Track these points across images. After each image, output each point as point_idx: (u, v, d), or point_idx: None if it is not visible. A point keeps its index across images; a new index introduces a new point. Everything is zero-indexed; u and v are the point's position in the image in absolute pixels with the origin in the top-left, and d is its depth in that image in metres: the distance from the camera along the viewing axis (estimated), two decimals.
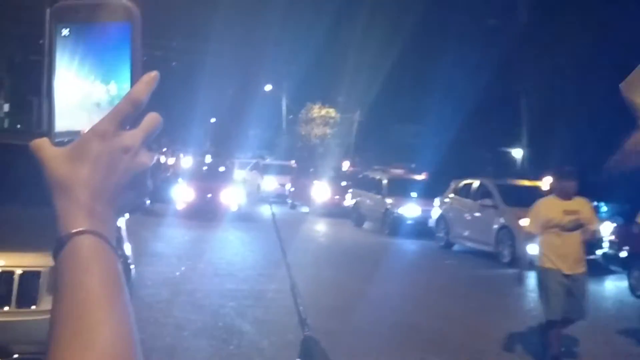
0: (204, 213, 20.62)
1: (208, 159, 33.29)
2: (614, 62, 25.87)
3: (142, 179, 0.80)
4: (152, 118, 0.80)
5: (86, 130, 0.78)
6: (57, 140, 0.79)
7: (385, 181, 22.21)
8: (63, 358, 0.70)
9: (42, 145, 0.79)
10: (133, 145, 0.78)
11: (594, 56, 26.33)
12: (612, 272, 13.85)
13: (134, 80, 0.79)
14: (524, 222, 15.38)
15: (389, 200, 21.06)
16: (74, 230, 0.75)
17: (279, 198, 29.94)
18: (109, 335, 0.71)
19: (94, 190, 0.77)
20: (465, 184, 18.50)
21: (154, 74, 0.80)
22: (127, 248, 5.91)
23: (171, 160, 29.24)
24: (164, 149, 28.81)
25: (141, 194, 0.81)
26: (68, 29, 0.80)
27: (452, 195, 18.70)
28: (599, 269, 14.08)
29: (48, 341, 0.72)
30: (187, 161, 29.73)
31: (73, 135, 0.79)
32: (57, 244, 0.76)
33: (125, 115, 0.78)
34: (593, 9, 26.87)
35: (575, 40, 26.66)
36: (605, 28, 26.10)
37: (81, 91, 0.80)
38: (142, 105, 0.78)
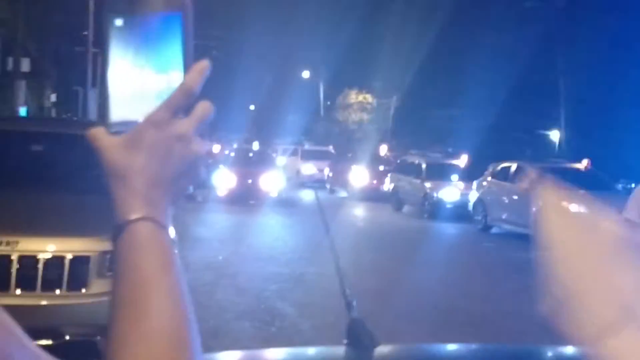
0: (245, 198, 20.85)
1: (256, 145, 33.58)
2: None
3: (195, 166, 0.82)
4: (204, 106, 0.81)
5: (141, 120, 0.80)
6: (113, 130, 0.80)
7: (424, 165, 22.20)
8: (122, 335, 0.74)
9: (99, 134, 0.80)
10: (187, 133, 0.80)
11: (632, 38, 25.90)
12: None
13: (186, 70, 0.81)
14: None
15: (428, 184, 21.06)
16: (132, 218, 0.77)
17: (318, 183, 30.01)
18: (165, 320, 0.74)
19: (150, 178, 0.79)
20: (503, 167, 18.43)
21: (205, 63, 0.81)
22: (171, 232, 6.15)
23: (215, 148, 29.54)
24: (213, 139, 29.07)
25: (195, 181, 0.83)
26: (122, 20, 0.81)
27: (489, 178, 18.66)
28: None
29: (108, 323, 0.76)
30: (229, 148, 29.99)
31: (129, 124, 0.80)
32: (116, 230, 0.78)
33: (179, 104, 0.80)
34: None
35: (613, 22, 26.24)
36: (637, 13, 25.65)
37: (135, 81, 0.81)
38: (195, 94, 0.80)
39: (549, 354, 2.09)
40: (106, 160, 0.79)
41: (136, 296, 0.75)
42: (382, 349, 1.66)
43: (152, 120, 0.79)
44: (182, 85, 0.80)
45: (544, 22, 28.66)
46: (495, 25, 30.45)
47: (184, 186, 0.83)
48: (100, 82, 0.87)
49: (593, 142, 24.30)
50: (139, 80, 0.81)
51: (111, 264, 5.07)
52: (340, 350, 1.67)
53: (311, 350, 2.03)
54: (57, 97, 33.72)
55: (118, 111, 0.81)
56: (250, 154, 25.46)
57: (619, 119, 24.67)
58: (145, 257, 0.77)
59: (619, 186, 18.74)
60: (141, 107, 0.80)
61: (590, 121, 26.27)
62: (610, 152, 22.61)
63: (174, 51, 0.81)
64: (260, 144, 36.73)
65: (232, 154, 26.21)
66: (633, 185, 22.59)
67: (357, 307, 1.67)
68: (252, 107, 49.66)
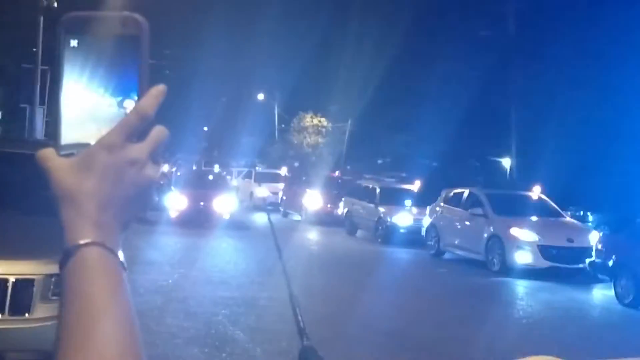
0: (197, 221, 20.66)
1: (217, 168, 33.36)
2: (601, 74, 26.13)
3: (148, 191, 0.81)
4: (158, 131, 0.80)
5: (93, 143, 0.79)
6: (63, 152, 0.79)
7: (378, 190, 22.30)
8: None
9: (48, 155, 0.79)
10: (140, 158, 0.79)
11: (582, 67, 26.55)
12: (599, 281, 13.98)
13: (141, 93, 0.80)
14: (514, 231, 15.62)
15: (381, 209, 21.15)
16: (81, 242, 0.76)
17: (272, 206, 29.98)
18: (112, 346, 0.72)
19: (101, 202, 0.77)
20: (456, 193, 18.63)
21: (161, 87, 0.80)
22: (120, 256, 6.02)
23: (165, 168, 29.37)
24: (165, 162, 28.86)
25: (146, 206, 0.82)
26: (77, 40, 0.80)
27: (442, 204, 18.82)
28: (587, 277, 14.23)
29: (54, 350, 0.74)
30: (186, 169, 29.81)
31: (80, 147, 0.79)
32: (64, 254, 0.77)
33: (133, 128, 0.78)
34: (580, 22, 27.09)
35: (563, 52, 26.89)
36: (592, 40, 26.34)
37: (89, 103, 0.80)
38: (150, 119, 0.79)
39: None
40: (55, 182, 0.78)
41: (83, 322, 0.73)
42: None
43: (105, 144, 0.78)
44: (136, 108, 0.79)
45: (497, 51, 29.23)
46: (449, 53, 30.93)
47: (136, 211, 0.82)
48: (52, 103, 0.85)
49: (543, 169, 24.73)
50: (92, 102, 0.80)
51: (57, 287, 4.94)
52: None
53: None
54: (3, 115, 33.08)
55: (70, 133, 0.80)
56: (204, 176, 25.26)
57: (568, 147, 25.19)
58: (93, 282, 0.75)
59: (568, 213, 19.07)
60: (93, 130, 0.79)
61: (540, 149, 26.75)
62: (559, 179, 23.02)
63: (129, 74, 0.80)
64: (216, 166, 36.65)
65: (181, 175, 25.98)
66: (582, 212, 23.15)
67: (309, 333, 1.61)
68: (205, 129, 49.46)
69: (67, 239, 0.77)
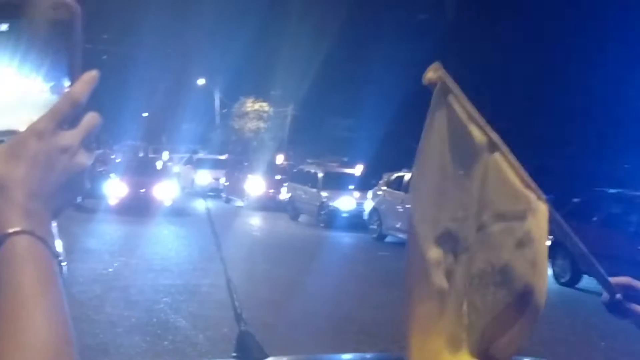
0: (137, 208, 20.38)
1: (166, 155, 32.86)
2: (538, 56, 26.62)
3: (79, 179, 0.79)
4: (91, 118, 0.79)
5: (24, 129, 0.77)
6: None
7: (320, 175, 22.34)
8: None
9: None
10: (71, 145, 0.77)
11: (518, 52, 27.03)
12: None
13: (73, 79, 0.78)
14: None
15: (324, 194, 21.21)
16: (10, 231, 0.74)
17: (214, 192, 29.79)
18: (42, 335, 0.70)
19: (31, 190, 0.75)
20: (397, 177, 18.77)
21: (94, 73, 0.79)
22: (58, 245, 5.90)
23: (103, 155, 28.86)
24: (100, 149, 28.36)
25: (78, 194, 0.81)
26: (7, 25, 0.78)
27: (384, 187, 18.95)
28: None
29: None
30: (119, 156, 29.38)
31: (10, 134, 0.77)
32: None
33: (64, 115, 0.77)
34: (520, 6, 27.55)
35: (500, 36, 27.31)
36: (529, 26, 26.81)
37: (20, 89, 0.79)
38: (81, 105, 0.77)
39: None
40: None
41: (11, 312, 0.71)
42: None
43: (35, 130, 0.76)
44: (68, 95, 0.77)
45: (435, 35, 29.49)
46: (389, 37, 31.09)
47: (67, 199, 0.80)
48: None
49: None
50: (23, 88, 0.78)
51: None
52: None
53: None
54: None
55: (0, 120, 0.78)
56: (144, 163, 24.91)
57: (505, 128, 25.58)
58: (22, 271, 0.73)
59: None
60: (24, 117, 0.77)
61: None
62: None
63: (61, 59, 0.78)
64: (165, 153, 36.24)
65: (121, 162, 25.61)
66: None
67: (247, 318, 1.65)
68: (145, 115, 48.76)
69: None
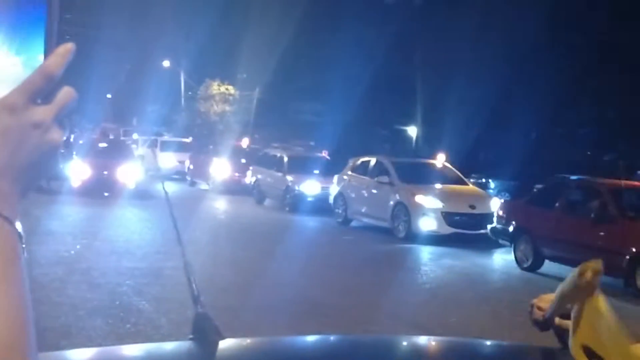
0: (100, 190, 20.17)
1: (135, 136, 32.40)
2: (505, 43, 26.81)
3: (51, 156, 0.76)
4: (65, 93, 0.76)
5: None
6: None
7: (285, 158, 22.30)
8: None
9: None
10: (44, 120, 0.74)
11: (486, 37, 27.17)
12: (500, 246, 14.47)
13: (47, 53, 0.77)
14: (419, 198, 15.95)
15: (289, 178, 21.18)
16: None
17: (178, 175, 29.59)
18: (3, 317, 0.68)
19: (0, 167, 0.73)
20: (363, 162, 18.83)
21: (69, 45, 0.76)
22: (18, 227, 5.79)
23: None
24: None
25: (49, 172, 0.78)
26: None
27: (350, 172, 18.99)
28: (489, 242, 14.70)
29: None
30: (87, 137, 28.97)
31: None
32: None
33: (37, 89, 0.74)
34: None
35: (468, 21, 27.43)
36: (493, 10, 26.96)
37: None
38: (55, 79, 0.74)
39: (404, 343, 2.13)
40: None
41: None
42: (227, 343, 1.65)
43: (6, 104, 0.73)
44: (41, 68, 0.74)
45: (402, 19, 29.53)
46: (356, 21, 31.06)
47: (37, 177, 0.76)
48: None
49: (446, 138, 25.32)
50: None
51: None
52: (186, 345, 1.67)
53: (155, 346, 1.95)
54: None
55: None
56: (107, 144, 24.62)
57: (471, 116, 25.82)
58: None
59: (471, 181, 19.59)
60: None
61: (444, 118, 27.31)
62: (462, 147, 23.62)
63: (35, 32, 0.75)
64: (135, 135, 35.81)
65: (83, 143, 25.25)
66: (483, 179, 23.85)
67: (210, 301, 1.70)
68: (109, 96, 48.17)
69: None
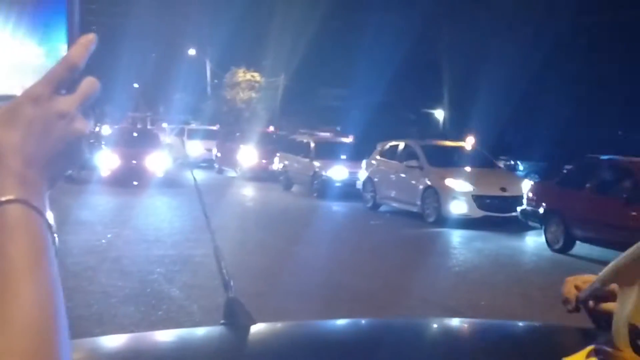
0: (129, 179, 20.33)
1: (165, 126, 32.60)
2: (532, 23, 26.48)
3: (77, 146, 0.76)
4: (89, 83, 0.76)
5: (19, 94, 0.74)
6: None
7: (312, 144, 22.30)
8: None
9: None
10: (69, 110, 0.74)
11: (514, 18, 26.85)
12: (531, 228, 14.34)
13: (70, 42, 0.76)
14: (449, 181, 15.84)
15: (316, 163, 21.18)
16: (3, 199, 0.71)
17: (206, 163, 29.73)
18: (32, 309, 0.68)
19: (26, 157, 0.73)
20: (391, 146, 18.74)
21: (91, 36, 0.76)
22: (50, 216, 5.84)
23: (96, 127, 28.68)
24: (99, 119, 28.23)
25: (76, 162, 0.78)
26: None
27: (378, 157, 18.92)
28: (520, 225, 14.58)
29: None
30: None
31: (6, 99, 0.75)
32: None
33: (61, 79, 0.74)
34: None
35: (495, 1, 27.12)
36: None
37: (15, 53, 0.77)
38: (79, 69, 0.75)
39: (434, 325, 2.11)
40: None
41: (0, 282, 0.68)
42: (259, 327, 1.65)
43: (31, 95, 0.73)
44: (65, 58, 0.74)
45: (428, 2, 29.25)
46: (381, 5, 30.83)
47: (64, 167, 0.77)
48: None
49: (474, 120, 25.09)
50: (18, 52, 0.77)
51: None
52: (217, 330, 1.67)
53: (187, 331, 1.96)
54: None
55: None
56: (136, 134, 24.82)
57: (499, 97, 25.57)
58: (13, 242, 0.70)
59: (500, 163, 19.41)
60: (20, 81, 0.75)
61: (472, 100, 27.06)
62: (490, 129, 23.41)
63: (57, 22, 0.76)
64: (164, 124, 36.03)
65: (112, 133, 25.46)
66: (512, 161, 23.65)
67: (240, 287, 1.67)
68: (136, 85, 48.47)
69: None
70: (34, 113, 0.73)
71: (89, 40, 0.76)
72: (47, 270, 0.71)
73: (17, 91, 0.75)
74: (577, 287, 1.56)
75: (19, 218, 0.71)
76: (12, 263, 0.70)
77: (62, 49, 0.76)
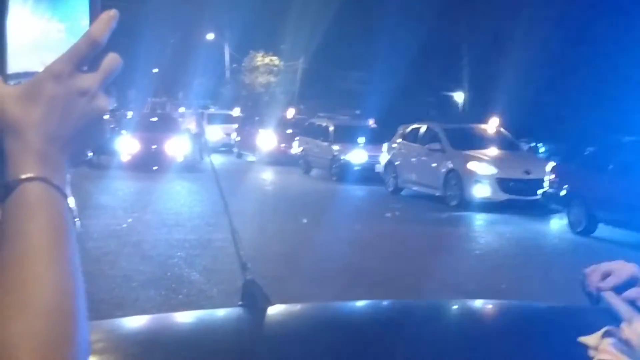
0: (149, 164, 20.43)
1: (182, 111, 32.57)
2: (553, 6, 26.20)
3: (99, 124, 0.76)
4: (111, 59, 0.75)
5: (41, 70, 0.73)
6: (11, 81, 0.74)
7: (331, 128, 22.26)
8: (0, 312, 0.67)
9: None
10: (90, 87, 0.74)
11: (531, 6, 26.57)
12: (554, 211, 14.22)
13: (92, 18, 0.75)
14: (472, 164, 15.72)
15: (335, 147, 21.15)
16: (23, 176, 0.71)
17: (225, 147, 29.80)
18: (51, 289, 0.68)
19: (47, 134, 0.72)
20: (413, 129, 18.61)
21: (112, 12, 0.75)
22: (71, 201, 5.86)
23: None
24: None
25: (97, 141, 0.77)
26: None
27: (399, 140, 18.81)
28: (544, 208, 14.46)
29: None
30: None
31: (28, 75, 0.74)
32: (4, 189, 0.71)
33: (83, 56, 0.73)
34: None
35: None
36: None
37: (36, 29, 0.76)
38: (101, 46, 0.74)
39: (455, 306, 2.09)
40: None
41: (18, 262, 0.68)
42: (277, 309, 1.64)
43: (52, 72, 0.72)
44: (86, 35, 0.73)
45: None
46: None
47: (85, 146, 0.76)
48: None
49: (494, 102, 24.90)
50: (39, 28, 0.75)
51: None
52: (235, 311, 1.68)
53: (205, 313, 1.95)
54: None
55: (17, 62, 0.75)
56: (154, 119, 24.92)
57: (519, 79, 25.35)
58: (33, 219, 0.69)
59: (525, 146, 19.22)
60: (42, 57, 0.74)
61: (491, 82, 26.86)
62: (510, 111, 23.22)
63: None
64: (182, 109, 36.19)
65: (132, 118, 25.62)
66: (533, 143, 23.46)
67: (259, 271, 1.70)
68: (155, 70, 48.63)
69: (9, 173, 0.71)
70: (55, 90, 0.72)
71: (111, 16, 0.75)
72: (67, 250, 0.70)
73: (37, 67, 0.74)
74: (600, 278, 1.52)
75: (39, 196, 0.70)
76: (31, 242, 0.69)
77: (84, 25, 0.75)
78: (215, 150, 29.18)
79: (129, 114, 27.19)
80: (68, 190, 0.73)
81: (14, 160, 0.71)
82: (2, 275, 0.68)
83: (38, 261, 0.68)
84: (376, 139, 20.45)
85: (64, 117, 0.73)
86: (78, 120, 0.74)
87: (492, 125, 19.13)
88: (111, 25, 0.75)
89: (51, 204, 0.71)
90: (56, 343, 0.66)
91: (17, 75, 0.75)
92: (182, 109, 38.73)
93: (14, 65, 0.75)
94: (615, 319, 1.31)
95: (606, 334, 1.21)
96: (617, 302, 1.38)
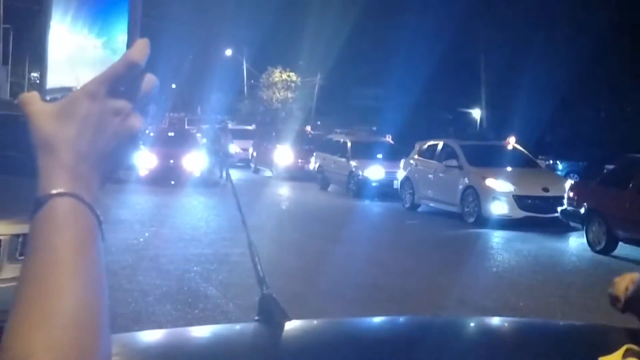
0: (167, 179, 20.51)
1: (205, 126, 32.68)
2: (571, 23, 26.13)
3: (130, 143, 0.76)
4: (147, 81, 0.76)
5: (78, 86, 0.74)
6: (49, 96, 0.75)
7: (349, 144, 22.26)
8: (22, 315, 0.67)
9: (31, 99, 0.74)
10: (124, 107, 0.75)
11: (552, 17, 26.53)
12: (574, 229, 14.10)
13: (131, 35, 0.76)
14: (489, 181, 15.65)
15: (353, 163, 21.14)
16: (54, 192, 0.71)
17: (242, 163, 29.87)
18: (73, 303, 0.68)
19: (80, 152, 0.73)
20: (430, 145, 18.59)
21: (145, 40, 0.76)
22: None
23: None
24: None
25: (128, 159, 0.79)
26: None
27: (417, 156, 18.78)
28: (562, 226, 14.34)
29: (11, 304, 0.69)
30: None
31: (65, 91, 0.75)
32: (35, 204, 0.72)
33: (120, 76, 0.74)
34: None
35: (531, 2, 26.82)
36: None
37: (73, 45, 0.77)
38: (139, 68, 0.75)
39: (472, 324, 2.07)
40: (34, 127, 0.73)
41: (44, 274, 0.68)
42: (293, 324, 1.64)
43: (88, 91, 0.73)
44: (125, 57, 0.74)
45: (465, 1, 29.04)
46: (417, 5, 30.69)
47: (116, 164, 0.77)
48: (39, 46, 0.79)
49: (512, 119, 24.85)
50: (76, 44, 0.76)
51: (24, 247, 4.89)
52: (252, 326, 1.68)
53: (222, 327, 1.95)
54: None
55: (53, 76, 0.76)
56: (172, 134, 25.06)
57: (537, 97, 25.31)
58: (61, 234, 0.70)
59: (543, 164, 19.11)
60: (77, 73, 0.75)
61: (509, 99, 26.83)
62: (528, 129, 23.16)
63: (117, 13, 0.76)
64: (189, 124, 36.34)
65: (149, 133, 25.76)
66: (551, 161, 23.34)
67: (276, 286, 1.66)
68: (173, 86, 48.97)
69: (41, 188, 0.72)
70: (90, 109, 0.73)
71: (146, 42, 0.76)
72: (93, 266, 0.71)
73: (72, 83, 0.75)
74: (627, 289, 1.52)
75: (68, 212, 0.71)
76: (58, 256, 0.69)
77: (121, 41, 0.76)
78: (233, 165, 29.26)
79: (148, 130, 27.34)
80: (98, 202, 0.74)
81: (45, 175, 0.72)
82: (26, 286, 0.69)
83: (64, 275, 0.69)
84: (393, 155, 20.44)
85: (97, 135, 0.74)
86: (111, 139, 0.74)
87: (509, 143, 19.06)
88: (147, 51, 0.75)
89: (80, 220, 0.71)
90: (77, 355, 0.67)
91: (53, 91, 0.76)
92: (205, 126, 38.97)
93: (50, 80, 0.76)
94: (636, 337, 1.30)
95: (627, 353, 1.20)
96: None
